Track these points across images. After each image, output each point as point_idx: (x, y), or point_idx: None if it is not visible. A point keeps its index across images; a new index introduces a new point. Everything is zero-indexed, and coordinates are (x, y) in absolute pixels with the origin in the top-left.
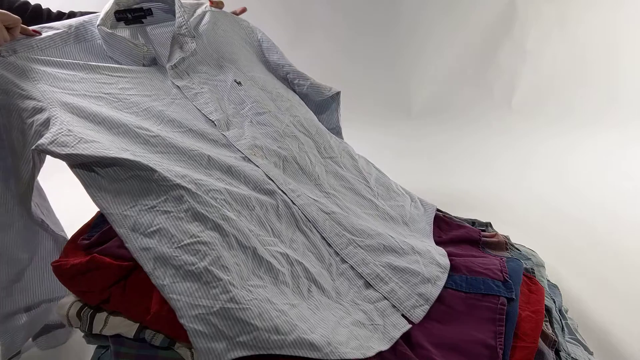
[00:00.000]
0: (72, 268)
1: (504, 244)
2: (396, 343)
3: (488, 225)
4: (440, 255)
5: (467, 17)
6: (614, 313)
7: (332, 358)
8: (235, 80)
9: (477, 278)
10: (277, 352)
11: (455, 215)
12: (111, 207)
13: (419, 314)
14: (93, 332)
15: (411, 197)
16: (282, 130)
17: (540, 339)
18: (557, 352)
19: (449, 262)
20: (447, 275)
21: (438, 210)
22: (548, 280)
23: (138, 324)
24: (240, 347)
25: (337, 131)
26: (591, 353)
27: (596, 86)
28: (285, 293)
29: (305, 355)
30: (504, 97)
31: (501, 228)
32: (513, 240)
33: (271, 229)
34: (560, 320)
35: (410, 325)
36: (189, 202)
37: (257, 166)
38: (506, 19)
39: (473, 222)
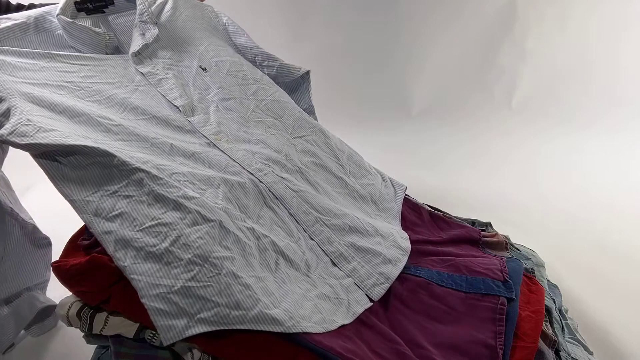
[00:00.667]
0: (71, 268)
1: (504, 244)
2: (396, 343)
3: (488, 225)
4: (403, 238)
5: (467, 17)
6: (614, 313)
7: (294, 331)
8: (200, 66)
9: (477, 278)
10: (238, 327)
11: (455, 215)
12: (74, 193)
13: (378, 291)
14: (93, 332)
15: (382, 177)
16: (248, 116)
17: (540, 339)
18: (557, 352)
19: (409, 245)
20: (407, 257)
21: (438, 210)
22: (548, 280)
23: (138, 324)
24: (201, 324)
25: (310, 111)
26: (591, 353)
27: (597, 86)
28: (253, 265)
29: (267, 330)
30: (505, 98)
31: (501, 228)
32: (513, 240)
33: (237, 205)
34: (560, 320)
35: (371, 303)
36: (150, 185)
37: (222, 151)
38: (506, 19)
39: (473, 222)
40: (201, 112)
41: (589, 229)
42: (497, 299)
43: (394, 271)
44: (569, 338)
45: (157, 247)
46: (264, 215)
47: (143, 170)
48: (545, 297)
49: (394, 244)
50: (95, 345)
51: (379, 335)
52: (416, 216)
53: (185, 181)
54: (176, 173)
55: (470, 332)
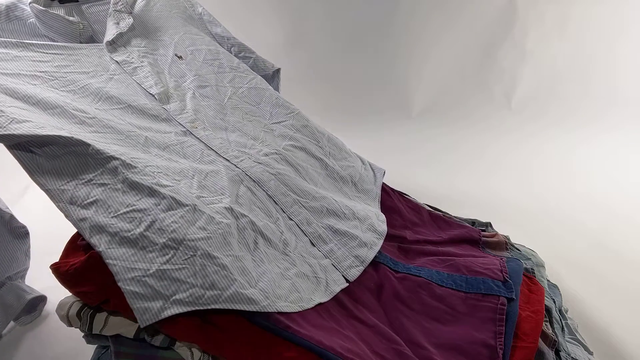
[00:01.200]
0: (70, 268)
1: (504, 244)
2: (396, 343)
3: (488, 225)
4: (380, 221)
5: (467, 17)
6: (614, 313)
7: (269, 311)
8: (175, 55)
9: (477, 278)
10: (213, 307)
11: (455, 215)
12: (49, 183)
13: (354, 273)
14: (93, 332)
15: (362, 160)
16: (225, 103)
17: (540, 339)
18: (557, 352)
19: (386, 229)
20: (382, 241)
21: (438, 210)
22: (548, 280)
23: (138, 324)
24: (176, 305)
25: None
26: (591, 353)
27: (597, 86)
28: (231, 244)
29: (242, 309)
30: (504, 98)
31: (501, 228)
32: (513, 240)
33: (214, 188)
34: (560, 320)
35: (347, 284)
36: (124, 172)
37: (198, 139)
38: (506, 19)
39: (473, 222)
40: (177, 100)
41: (589, 229)
42: (497, 299)
43: (370, 254)
44: (569, 338)
45: (132, 232)
46: (242, 195)
47: (117, 158)
48: (545, 297)
49: (370, 228)
50: (95, 345)
51: (379, 335)
52: (416, 216)
53: (159, 173)
54: (150, 166)
55: (470, 332)
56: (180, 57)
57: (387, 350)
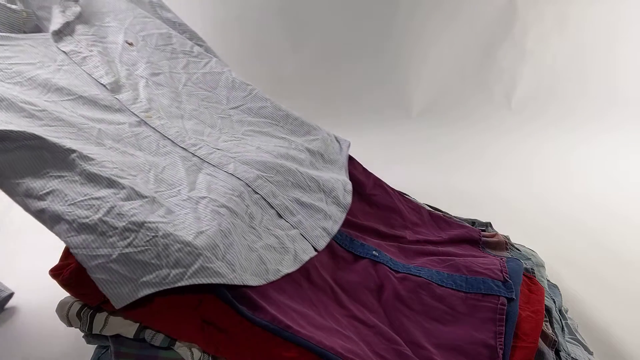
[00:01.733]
0: (66, 273)
1: (504, 244)
2: (396, 343)
3: (488, 225)
4: (346, 192)
5: (467, 17)
6: (614, 313)
7: (236, 284)
8: (126, 41)
9: (477, 278)
10: (181, 284)
11: (455, 215)
12: (2, 178)
13: (322, 244)
14: (93, 332)
15: (327, 132)
16: (180, 90)
17: (540, 339)
18: (557, 352)
19: (350, 200)
20: (345, 214)
21: (438, 210)
22: (548, 280)
23: (138, 324)
24: (145, 287)
25: None
26: (591, 353)
27: (596, 86)
28: (193, 224)
29: (209, 282)
30: (504, 98)
31: (501, 228)
32: (513, 240)
33: (171, 182)
34: (560, 320)
35: (315, 253)
36: (81, 165)
37: (153, 128)
38: (506, 19)
39: (473, 222)
40: (130, 89)
41: (589, 229)
42: (497, 299)
43: (335, 227)
44: (569, 338)
45: (90, 219)
46: (201, 182)
47: (74, 151)
48: (545, 297)
49: (335, 201)
50: (95, 345)
51: (379, 336)
52: (416, 216)
53: (115, 167)
54: (105, 161)
55: (470, 332)
56: (130, 44)
57: (388, 351)
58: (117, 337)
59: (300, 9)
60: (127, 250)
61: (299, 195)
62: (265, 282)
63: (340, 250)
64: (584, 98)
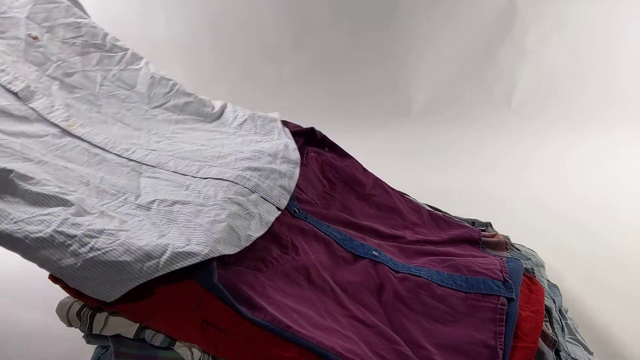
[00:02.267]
0: None
1: (504, 244)
2: (396, 343)
3: (488, 225)
4: (291, 150)
5: (467, 17)
6: (614, 313)
7: (212, 256)
8: (29, 35)
9: (477, 278)
10: (156, 275)
11: (455, 215)
12: None
13: (283, 202)
14: (93, 332)
15: (251, 112)
16: (97, 92)
17: (540, 339)
18: (557, 352)
19: (299, 156)
20: (299, 169)
21: (438, 210)
22: (548, 280)
23: (138, 324)
24: (120, 285)
25: None
26: (591, 353)
27: (597, 86)
28: (154, 224)
29: (185, 265)
30: (504, 97)
31: (501, 228)
32: (513, 240)
33: (114, 192)
34: (560, 320)
35: (279, 212)
36: (22, 185)
37: (79, 138)
38: (506, 19)
39: (473, 222)
40: (42, 95)
41: (589, 229)
42: (497, 299)
43: (291, 183)
44: (569, 338)
45: (44, 232)
46: (145, 185)
47: (11, 171)
48: (545, 297)
49: (285, 160)
50: (95, 345)
51: (379, 336)
52: (416, 216)
53: (55, 185)
54: (44, 179)
55: (470, 332)
56: (35, 38)
57: (388, 351)
58: (117, 337)
59: (301, 9)
60: (90, 254)
61: (248, 163)
62: (239, 249)
63: (340, 250)
64: (583, 98)
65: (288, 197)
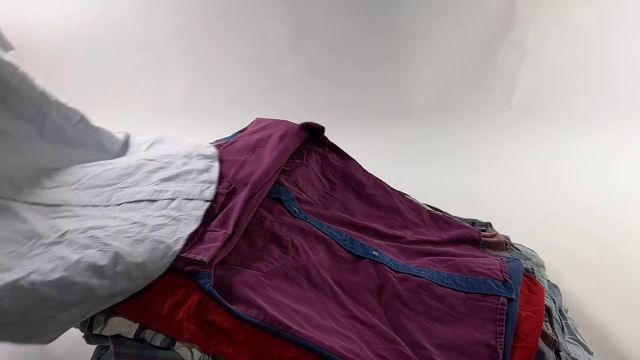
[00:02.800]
0: None
1: (504, 244)
2: (396, 343)
3: (488, 225)
4: (205, 147)
5: (467, 17)
6: (614, 313)
7: (146, 284)
8: None
9: (477, 278)
10: (87, 316)
11: (455, 215)
12: None
13: (209, 193)
14: (93, 332)
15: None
16: None
17: (540, 339)
18: (557, 352)
19: (215, 150)
20: (217, 162)
21: (438, 210)
22: (548, 280)
23: (138, 324)
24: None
25: None
26: (591, 353)
27: (598, 86)
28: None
29: (119, 300)
30: (504, 97)
31: (501, 228)
32: (513, 240)
33: (18, 239)
34: (560, 320)
35: (209, 203)
36: None
37: None
38: (506, 19)
39: (473, 222)
40: None
41: (590, 229)
42: (497, 299)
43: (212, 176)
44: (569, 338)
45: None
46: (52, 226)
47: None
48: (545, 297)
49: (201, 157)
50: (95, 345)
51: (379, 336)
52: (417, 216)
53: None
54: None
55: (471, 332)
56: None
57: (388, 351)
58: (117, 337)
59: (300, 9)
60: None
61: (161, 175)
62: (174, 256)
63: (340, 250)
64: (583, 98)
65: (213, 187)
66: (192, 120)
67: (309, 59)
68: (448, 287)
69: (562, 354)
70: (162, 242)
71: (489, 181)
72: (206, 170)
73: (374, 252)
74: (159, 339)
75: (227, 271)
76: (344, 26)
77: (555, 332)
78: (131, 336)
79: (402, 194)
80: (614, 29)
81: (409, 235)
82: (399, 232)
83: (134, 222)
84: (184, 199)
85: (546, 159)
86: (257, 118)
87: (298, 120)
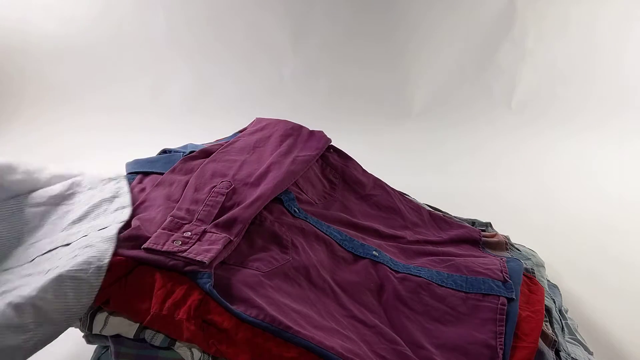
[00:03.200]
0: None
1: (504, 244)
2: (396, 344)
3: (488, 225)
4: (109, 176)
5: (466, 17)
6: (614, 313)
7: (78, 317)
8: None
9: (477, 278)
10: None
11: (455, 215)
12: None
13: (124, 216)
14: (93, 332)
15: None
16: None
17: (540, 339)
18: (557, 352)
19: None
20: (125, 180)
21: (437, 210)
22: (548, 280)
23: (138, 324)
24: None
25: None
26: (591, 353)
27: (597, 86)
28: None
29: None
30: (504, 97)
31: (501, 228)
32: (513, 240)
33: None
34: (560, 320)
35: (122, 223)
36: None
37: None
38: (506, 19)
39: (473, 222)
40: None
41: (590, 229)
42: (497, 299)
43: (125, 200)
44: (569, 338)
45: None
46: None
47: None
48: (545, 297)
49: (105, 181)
50: (95, 345)
51: (379, 336)
52: (417, 216)
53: None
54: None
55: (471, 332)
56: None
57: (388, 351)
58: (117, 337)
59: (300, 9)
60: None
61: (71, 217)
62: (96, 290)
63: (340, 250)
64: (584, 98)
65: (128, 210)
66: (192, 121)
67: (308, 61)
68: (448, 287)
69: (562, 354)
70: (78, 278)
71: (489, 181)
72: (115, 195)
73: (374, 252)
74: (159, 339)
75: (227, 271)
76: (344, 27)
77: (555, 332)
78: (131, 336)
79: (402, 194)
80: (614, 28)
81: (409, 235)
82: (399, 232)
83: (49, 270)
84: (98, 230)
85: (546, 158)
86: (257, 118)
87: (298, 120)
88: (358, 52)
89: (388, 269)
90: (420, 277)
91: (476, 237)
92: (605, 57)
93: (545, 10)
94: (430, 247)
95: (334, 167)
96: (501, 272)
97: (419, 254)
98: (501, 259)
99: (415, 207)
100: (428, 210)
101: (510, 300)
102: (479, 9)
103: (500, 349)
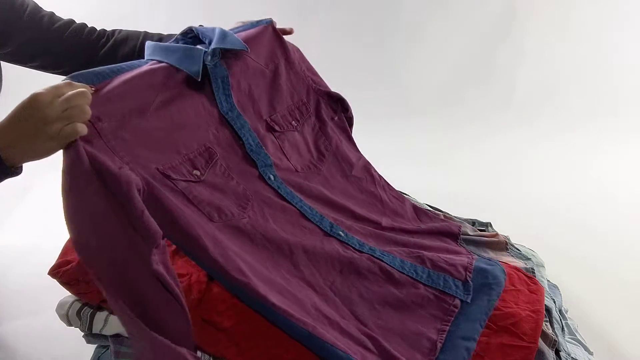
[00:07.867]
0: (64, 275)
1: (504, 244)
2: (339, 314)
3: (488, 225)
4: None
5: (467, 17)
6: (614, 313)
7: None
8: None
9: (439, 274)
10: None
11: (456, 215)
12: None
13: None
14: (93, 332)
15: None
16: None
17: (540, 339)
18: (557, 352)
19: None
20: None
21: (438, 210)
22: (548, 280)
23: None
24: None
25: None
26: (591, 353)
27: (597, 86)
28: None
29: None
30: (504, 97)
31: (501, 228)
32: (513, 240)
33: None
34: (560, 320)
35: None
36: None
37: None
38: (506, 19)
39: (473, 222)
40: None
41: (590, 229)
42: (452, 299)
43: None
44: (569, 338)
45: None
46: None
47: None
48: (545, 297)
49: None
50: (95, 345)
51: (324, 302)
52: (399, 205)
53: None
54: None
55: (417, 323)
56: None
57: (326, 317)
58: (117, 337)
59: (300, 9)
60: None
61: None
62: None
63: (307, 223)
64: (583, 98)
65: None
66: None
67: (309, 59)
68: (408, 276)
69: (562, 354)
70: None
71: (489, 181)
72: None
73: (340, 232)
74: None
75: (180, 198)
76: (343, 27)
77: (555, 332)
78: None
79: (389, 186)
80: (614, 28)
81: (384, 221)
82: (374, 217)
83: None
84: None
85: (546, 159)
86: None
87: None
88: (358, 52)
89: (353, 248)
90: (382, 261)
91: (455, 231)
92: (604, 57)
93: (545, 10)
94: (403, 236)
95: (330, 138)
96: (465, 271)
97: (389, 241)
98: (472, 257)
99: (399, 197)
100: (412, 203)
101: (464, 303)
102: (479, 9)
103: (440, 342)
